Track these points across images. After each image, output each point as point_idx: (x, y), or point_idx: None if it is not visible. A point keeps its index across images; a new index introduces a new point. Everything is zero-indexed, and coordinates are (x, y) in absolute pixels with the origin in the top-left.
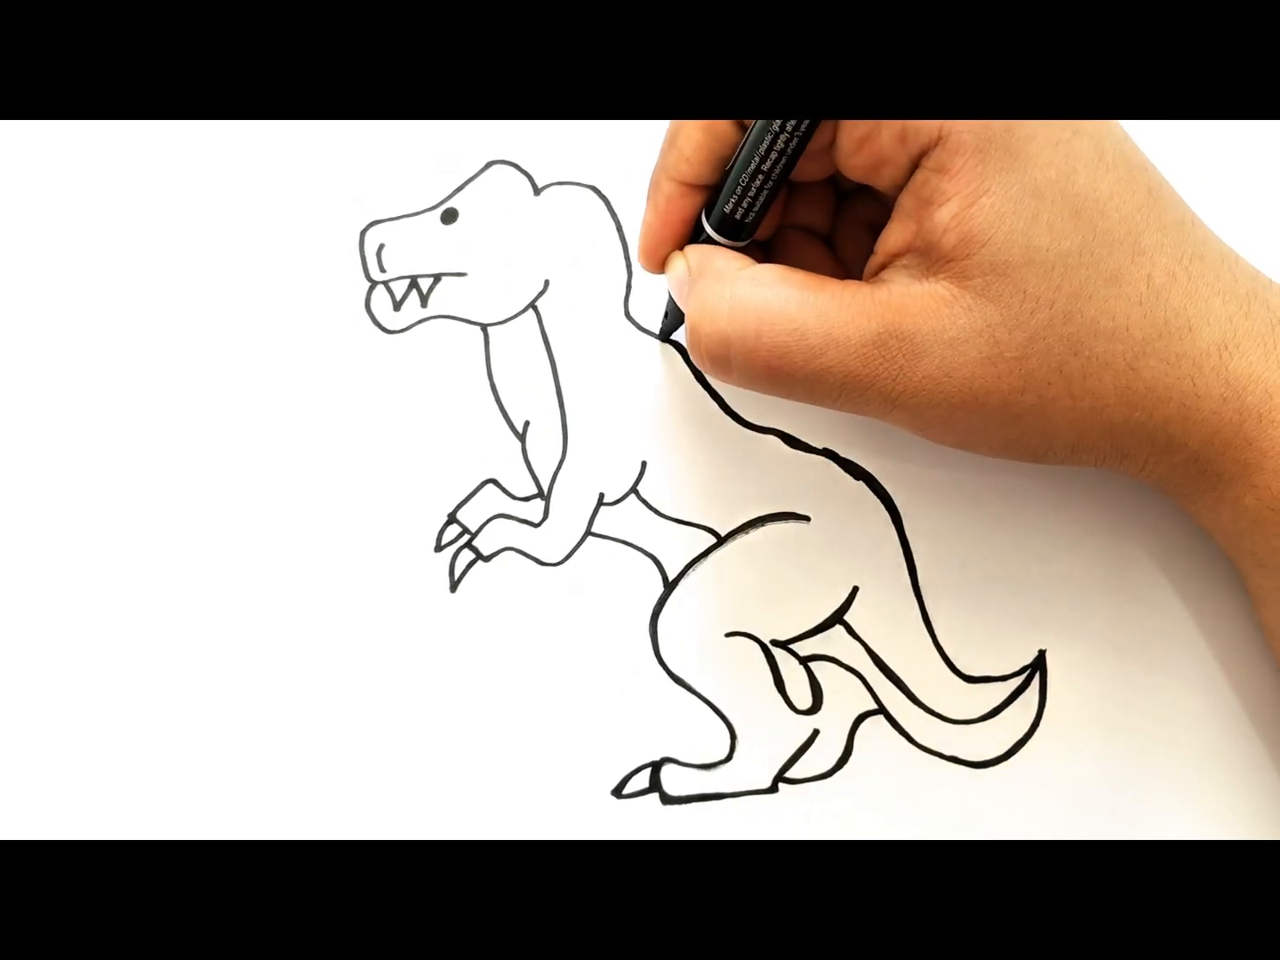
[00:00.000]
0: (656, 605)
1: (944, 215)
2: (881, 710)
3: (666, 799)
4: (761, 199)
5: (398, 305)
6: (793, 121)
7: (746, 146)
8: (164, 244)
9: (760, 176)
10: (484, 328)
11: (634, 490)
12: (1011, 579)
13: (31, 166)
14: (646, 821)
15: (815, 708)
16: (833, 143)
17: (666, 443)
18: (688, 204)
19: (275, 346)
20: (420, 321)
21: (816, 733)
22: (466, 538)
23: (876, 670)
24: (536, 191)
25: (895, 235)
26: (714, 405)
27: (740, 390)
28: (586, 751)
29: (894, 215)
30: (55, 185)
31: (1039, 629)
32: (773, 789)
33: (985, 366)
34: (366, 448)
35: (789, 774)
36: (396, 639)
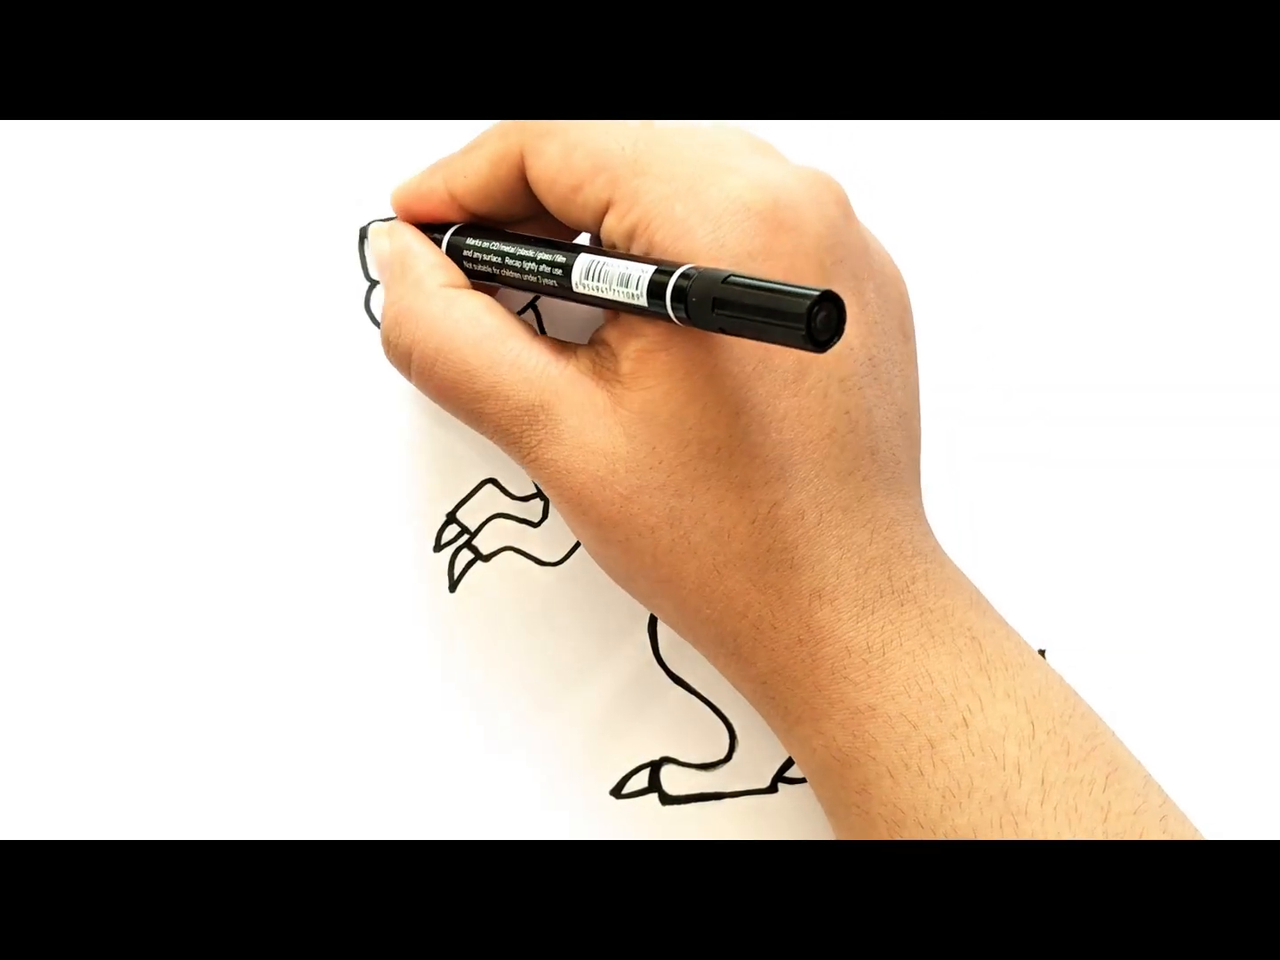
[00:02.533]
0: None
1: (633, 344)
2: None
3: (666, 799)
4: (484, 278)
5: None
6: (549, 265)
7: (512, 240)
8: (164, 244)
9: (495, 267)
10: None
11: None
12: (1012, 578)
13: (31, 166)
14: (646, 821)
15: None
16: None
17: None
18: (447, 211)
19: (275, 346)
20: None
21: None
22: (466, 537)
23: None
24: None
25: (609, 329)
26: None
27: None
28: (586, 751)
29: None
30: (55, 185)
31: (1039, 628)
32: (773, 789)
33: (596, 484)
34: (366, 447)
35: (789, 774)
36: (396, 639)
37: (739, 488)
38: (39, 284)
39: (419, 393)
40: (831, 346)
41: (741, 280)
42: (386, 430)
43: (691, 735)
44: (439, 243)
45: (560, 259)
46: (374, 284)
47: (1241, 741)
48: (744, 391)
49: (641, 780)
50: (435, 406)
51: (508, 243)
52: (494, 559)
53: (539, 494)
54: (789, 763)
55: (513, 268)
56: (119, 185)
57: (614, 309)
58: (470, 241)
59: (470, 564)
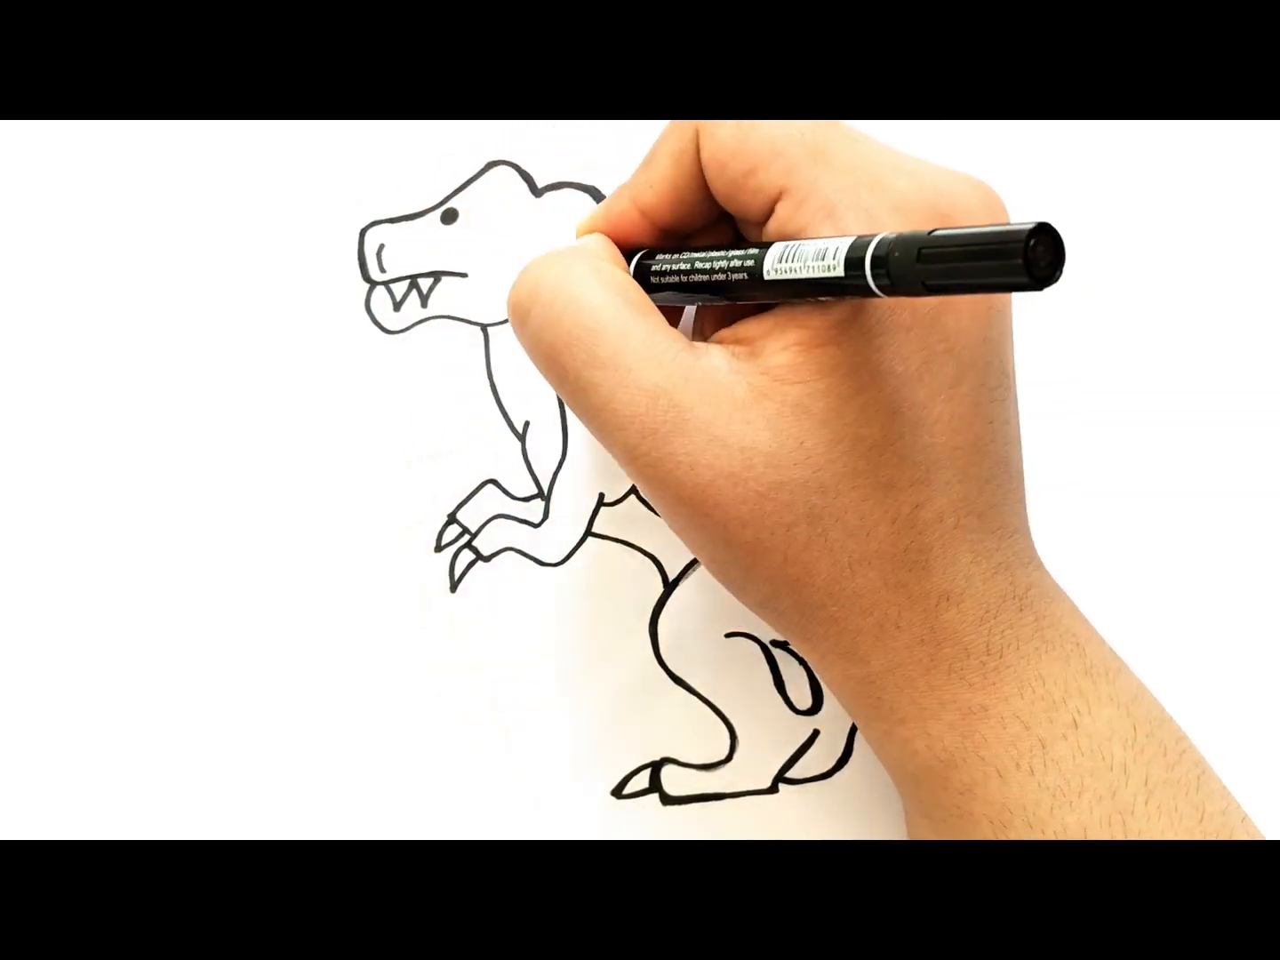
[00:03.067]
0: (656, 605)
1: (791, 336)
2: None
3: (666, 799)
4: (675, 289)
5: (398, 305)
6: (740, 259)
7: (701, 248)
8: (164, 244)
9: (686, 271)
10: (484, 328)
11: (634, 490)
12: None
13: (31, 166)
14: (646, 821)
15: (815, 708)
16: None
17: None
18: (637, 232)
19: (275, 347)
20: (420, 322)
21: (816, 733)
22: (466, 538)
23: None
24: (536, 192)
25: (751, 326)
26: None
27: None
28: (586, 751)
29: (767, 311)
30: (55, 185)
31: None
32: (773, 789)
33: (726, 481)
34: (366, 448)
35: (789, 774)
36: (396, 639)
37: (885, 487)
38: (38, 284)
39: (419, 393)
40: (1054, 282)
41: (948, 231)
42: (387, 430)
43: (692, 736)
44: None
45: (751, 250)
46: (374, 284)
47: (1240, 742)
48: (905, 391)
49: (642, 780)
50: (435, 407)
51: (694, 250)
52: (494, 559)
53: (540, 494)
54: (789, 763)
55: (701, 270)
56: (119, 185)
57: (801, 295)
58: (658, 256)
59: (471, 564)
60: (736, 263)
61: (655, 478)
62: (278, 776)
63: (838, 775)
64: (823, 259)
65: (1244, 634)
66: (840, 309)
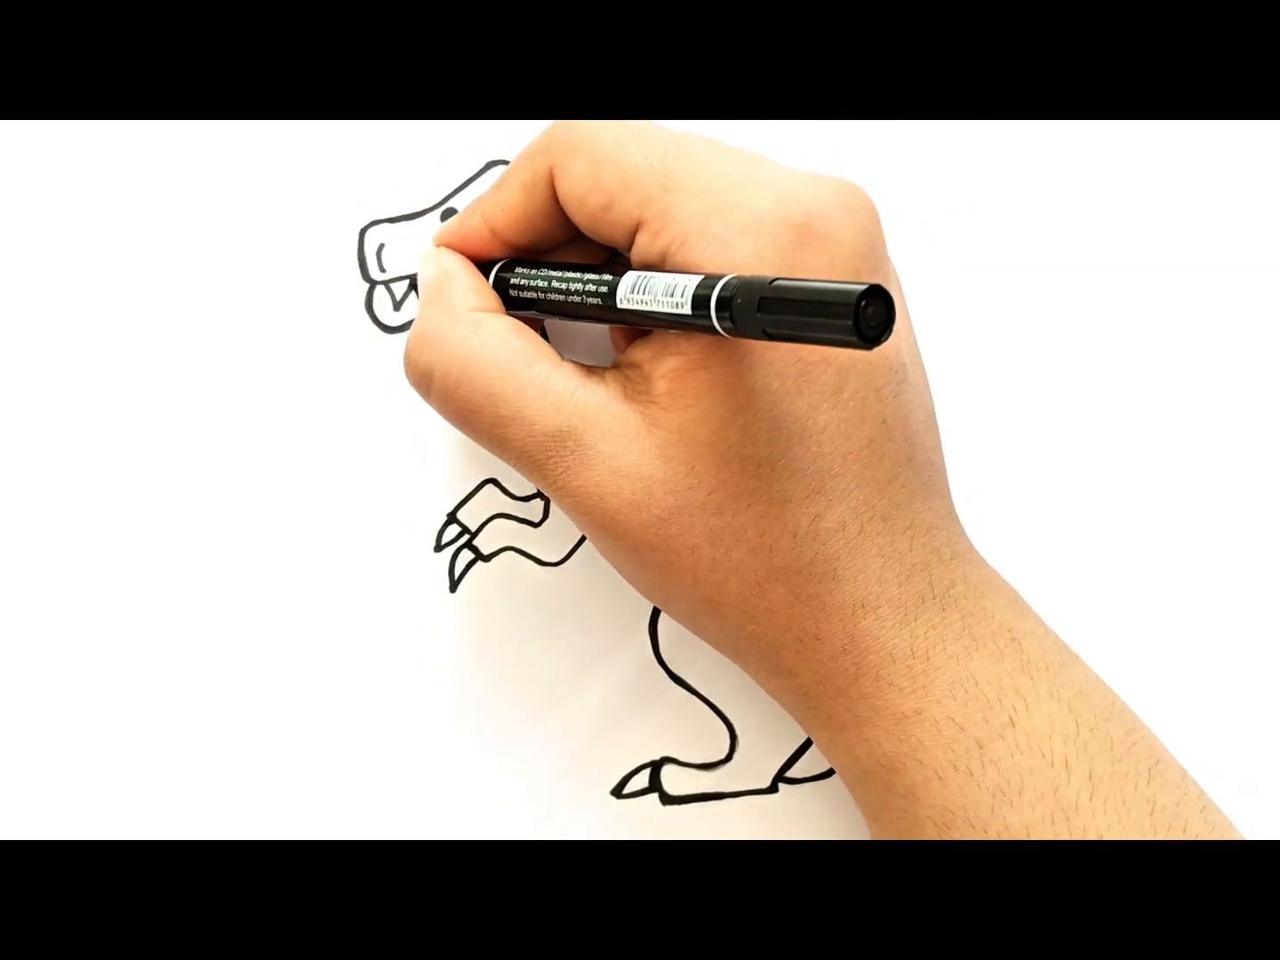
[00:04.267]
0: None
1: (669, 363)
2: None
3: (666, 799)
4: (530, 306)
5: (398, 305)
6: (594, 285)
7: (556, 267)
8: (164, 244)
9: (541, 291)
10: None
11: None
12: (1011, 578)
13: (31, 166)
14: (646, 821)
15: None
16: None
17: None
18: (489, 248)
19: (275, 346)
20: None
21: None
22: (466, 537)
23: None
24: None
25: (639, 350)
26: None
27: None
28: (586, 751)
29: (653, 333)
30: (55, 185)
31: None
32: (773, 789)
33: (630, 509)
34: (366, 447)
35: (789, 774)
36: (396, 639)
37: (780, 503)
38: (37, 284)
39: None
40: (883, 342)
41: (787, 282)
42: (387, 430)
43: (692, 735)
44: (488, 270)
45: (606, 276)
46: (374, 284)
47: (1240, 742)
48: (784, 406)
49: (642, 780)
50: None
51: (552, 269)
52: (494, 559)
53: (540, 494)
54: (789, 763)
55: (558, 290)
56: (119, 185)
57: (656, 325)
58: (517, 270)
59: (471, 564)
60: (591, 287)
61: (572, 507)
62: (278, 776)
63: (837, 775)
64: (671, 295)
65: (1204, 624)
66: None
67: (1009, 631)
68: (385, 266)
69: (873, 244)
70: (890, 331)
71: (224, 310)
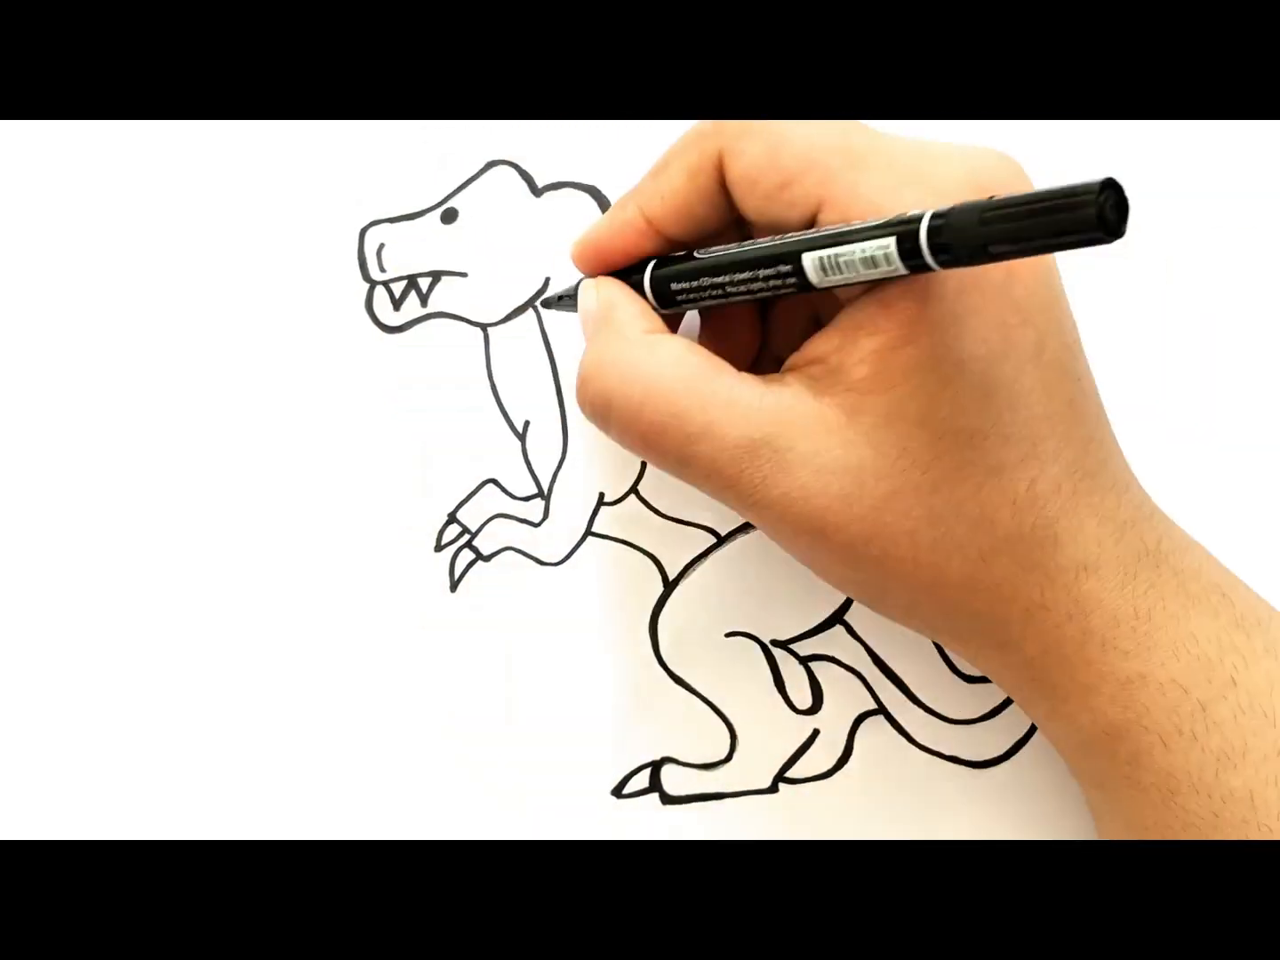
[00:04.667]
0: (656, 605)
1: (866, 346)
2: (881, 710)
3: (666, 799)
4: (709, 306)
5: (397, 305)
6: (777, 277)
7: (725, 263)
8: (164, 244)
9: (719, 293)
10: (484, 328)
11: (634, 490)
12: None
13: (31, 166)
14: (646, 821)
15: (815, 708)
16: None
17: None
18: (643, 241)
19: (275, 346)
20: (420, 320)
21: (816, 733)
22: (466, 538)
23: (876, 670)
24: (536, 192)
25: (820, 344)
26: None
27: None
28: (586, 751)
29: (830, 324)
30: (55, 185)
31: None
32: (773, 789)
33: (841, 504)
34: (366, 447)
35: (789, 774)
36: (396, 639)
37: (997, 471)
38: (37, 284)
39: (419, 393)
40: (1123, 233)
41: (1010, 195)
42: (387, 430)
43: (692, 735)
44: (638, 285)
45: (786, 268)
46: (374, 284)
47: None
48: (993, 372)
49: (642, 780)
50: (435, 407)
51: (720, 271)
52: (494, 559)
53: (540, 494)
54: (789, 763)
55: (739, 292)
56: (119, 185)
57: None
58: (683, 280)
59: (471, 564)
60: (776, 282)
61: (775, 518)
62: (277, 776)
63: (838, 775)
64: (874, 266)
65: None
66: (906, 307)
67: (1218, 586)
68: (385, 266)
69: None
70: (1127, 224)
71: (224, 310)
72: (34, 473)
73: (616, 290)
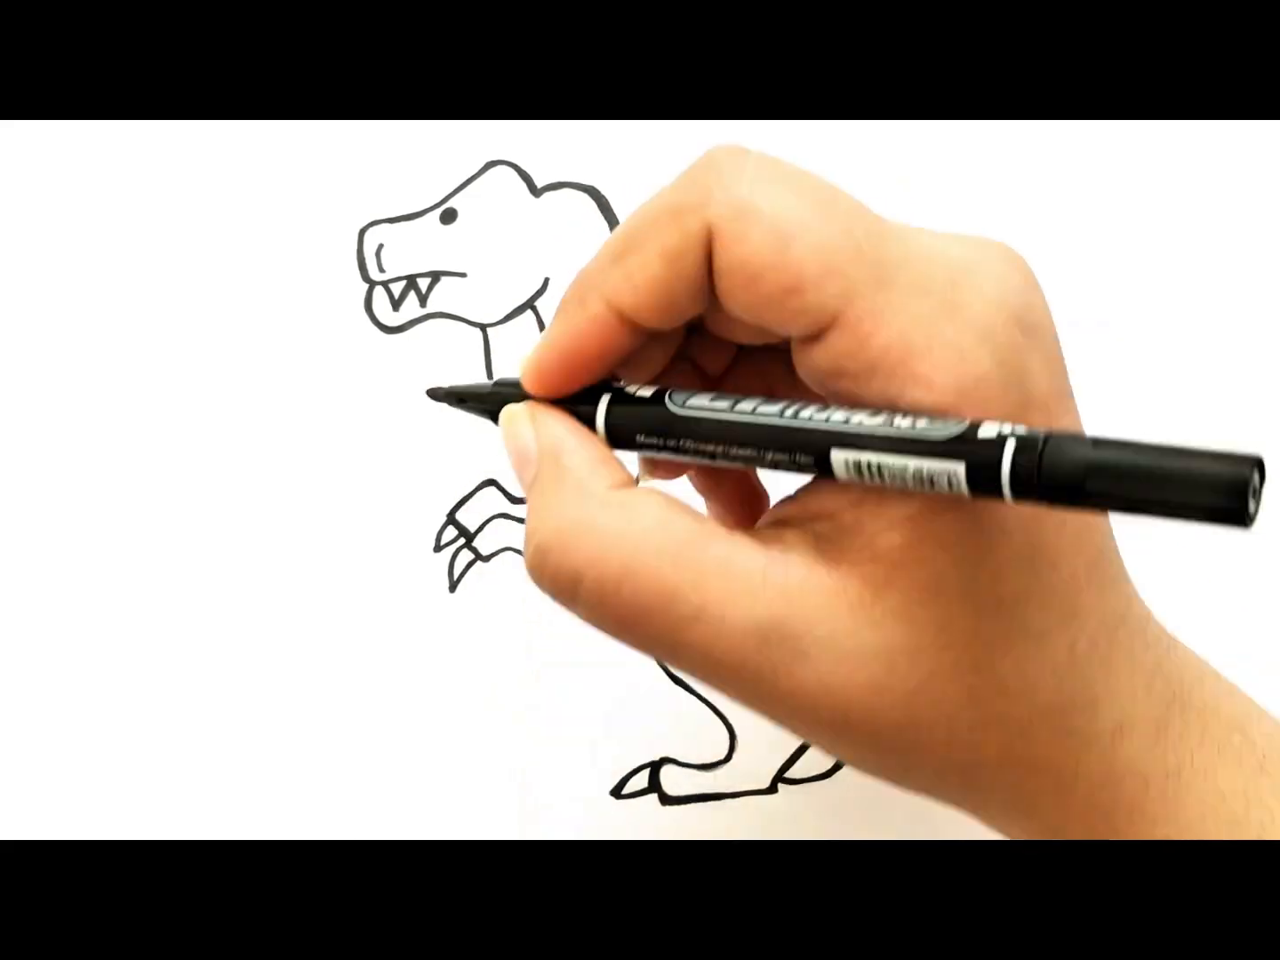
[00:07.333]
0: None
1: (898, 510)
2: None
3: (666, 799)
4: (681, 459)
5: (396, 305)
6: (791, 463)
7: (718, 433)
8: (164, 244)
9: (704, 457)
10: (484, 328)
11: None
12: None
13: (31, 166)
14: (646, 821)
15: None
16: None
17: None
18: (615, 340)
19: (275, 346)
20: (419, 320)
21: None
22: (466, 538)
23: None
24: (535, 192)
25: (828, 497)
26: None
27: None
28: (586, 751)
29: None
30: (55, 185)
31: None
32: (772, 789)
33: (870, 694)
34: (366, 448)
35: (789, 774)
36: (396, 639)
37: (1038, 638)
38: (37, 283)
39: (419, 393)
40: (1254, 521)
41: (1119, 444)
42: (386, 431)
43: (691, 736)
44: (589, 419)
45: (806, 459)
46: (373, 284)
47: None
48: (1032, 533)
49: (641, 780)
50: (435, 407)
51: (710, 439)
52: (494, 559)
53: None
54: (789, 763)
55: (732, 461)
56: (120, 185)
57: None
58: (653, 435)
59: (470, 564)
60: (786, 463)
61: (786, 712)
62: (277, 776)
63: (837, 775)
64: (930, 486)
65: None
66: None
67: (1237, 724)
68: (384, 266)
69: (1049, 312)
70: (1260, 502)
71: (224, 310)
72: (33, 472)
73: (561, 427)
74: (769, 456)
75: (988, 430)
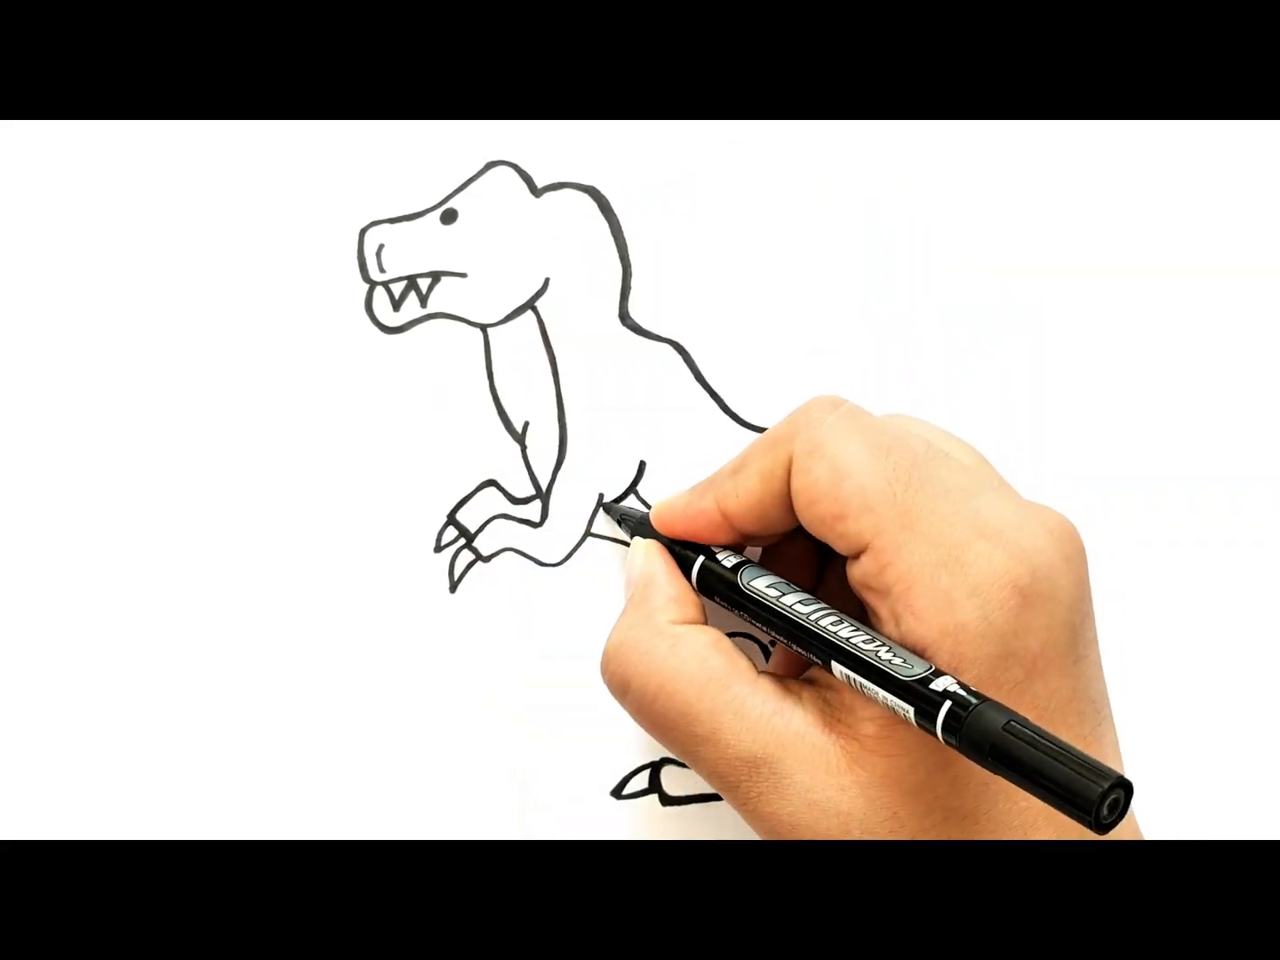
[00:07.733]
0: None
1: (874, 707)
2: None
3: (666, 799)
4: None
5: (396, 305)
6: (807, 650)
7: (758, 610)
8: (163, 244)
9: (754, 620)
10: (484, 329)
11: (633, 490)
12: None
13: (31, 166)
14: (646, 822)
15: None
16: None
17: (665, 443)
18: (717, 533)
19: (275, 347)
20: (419, 320)
21: None
22: (466, 539)
23: None
24: (536, 192)
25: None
26: (713, 405)
27: (741, 390)
28: (586, 752)
29: None
30: (55, 185)
31: None
32: None
33: (827, 838)
34: (366, 448)
35: None
36: (396, 639)
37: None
38: (38, 284)
39: (419, 393)
40: (1114, 828)
41: (1024, 732)
42: (386, 431)
43: None
44: (691, 561)
45: (817, 659)
46: (373, 285)
47: (1236, 742)
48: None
49: (642, 781)
50: (435, 408)
51: (753, 613)
52: (494, 560)
53: (539, 495)
54: None
55: (781, 627)
56: (119, 185)
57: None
58: (720, 597)
59: (470, 565)
60: (803, 650)
61: (763, 831)
62: (277, 776)
63: None
64: (889, 706)
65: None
66: None
67: None
68: (385, 267)
69: (1086, 592)
70: (1125, 814)
71: (223, 310)
72: (32, 472)
73: (660, 565)
74: (794, 645)
75: (940, 683)
